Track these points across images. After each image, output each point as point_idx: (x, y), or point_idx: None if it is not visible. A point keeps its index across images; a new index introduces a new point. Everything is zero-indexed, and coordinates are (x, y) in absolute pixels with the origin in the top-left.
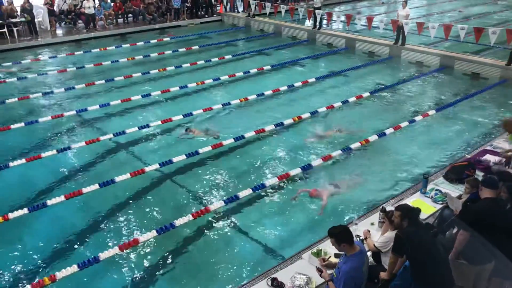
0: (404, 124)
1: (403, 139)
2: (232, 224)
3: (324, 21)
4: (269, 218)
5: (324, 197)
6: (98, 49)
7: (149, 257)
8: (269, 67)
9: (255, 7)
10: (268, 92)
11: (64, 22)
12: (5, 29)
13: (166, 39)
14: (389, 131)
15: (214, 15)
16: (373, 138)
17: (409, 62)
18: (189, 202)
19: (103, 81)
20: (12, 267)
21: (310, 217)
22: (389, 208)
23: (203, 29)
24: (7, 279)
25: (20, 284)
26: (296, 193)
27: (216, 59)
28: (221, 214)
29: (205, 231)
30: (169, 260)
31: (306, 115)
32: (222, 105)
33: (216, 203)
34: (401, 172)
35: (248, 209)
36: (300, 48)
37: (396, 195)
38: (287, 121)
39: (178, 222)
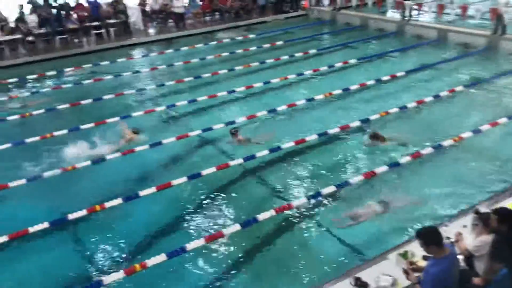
0: (503, 120)
1: (502, 137)
2: (314, 220)
3: (414, 12)
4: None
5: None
6: (187, 47)
7: (232, 250)
8: (354, 60)
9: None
10: (354, 87)
11: (155, 22)
12: (103, 30)
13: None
14: (485, 127)
15: (299, 10)
16: (466, 135)
17: (510, 54)
18: (272, 198)
19: (191, 78)
20: (106, 252)
21: (398, 216)
22: (483, 210)
23: (287, 24)
24: (101, 263)
25: (113, 269)
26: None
27: (300, 54)
28: (304, 210)
29: (288, 227)
30: (252, 255)
31: (394, 109)
32: (306, 100)
33: (299, 199)
34: (499, 173)
35: (331, 205)
36: (388, 40)
37: (491, 197)
38: (374, 117)
39: (261, 216)
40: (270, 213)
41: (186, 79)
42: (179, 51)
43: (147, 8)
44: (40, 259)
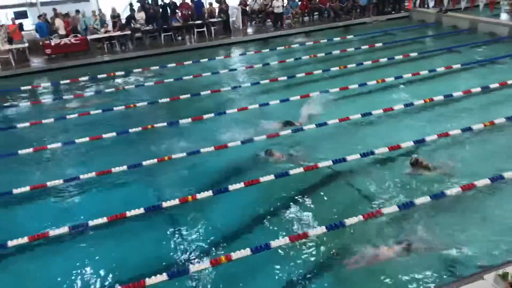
0: None
1: None
2: (402, 229)
3: None
4: (446, 228)
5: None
6: (283, 47)
7: (316, 251)
8: (459, 65)
9: (448, 1)
10: (457, 93)
11: (254, 21)
12: (205, 28)
13: None
14: None
15: (402, 11)
16: None
17: None
18: (360, 202)
19: (285, 77)
20: (194, 242)
21: (499, 231)
22: None
23: (388, 26)
24: (188, 252)
25: (199, 258)
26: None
27: (400, 56)
28: (392, 218)
29: (375, 234)
30: (336, 259)
31: (500, 120)
32: (404, 105)
33: (389, 207)
34: None
35: (420, 219)
36: (499, 45)
37: None
38: (476, 126)
39: (349, 221)
40: (358, 218)
41: (280, 78)
42: (275, 50)
43: (247, 8)
44: (134, 242)
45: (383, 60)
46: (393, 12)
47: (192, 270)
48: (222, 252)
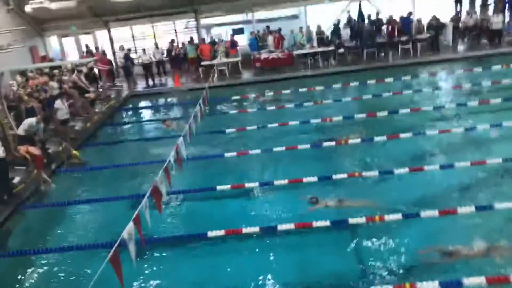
0: None
1: None
2: None
3: None
4: None
5: None
6: (500, 66)
7: None
8: None
9: None
10: None
11: (466, 38)
12: (411, 45)
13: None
14: None
15: None
16: None
17: None
18: None
19: (499, 100)
20: (379, 262)
21: None
22: None
23: None
24: (372, 272)
25: (382, 281)
26: None
27: None
28: None
29: None
30: None
31: None
32: None
33: None
34: None
35: None
36: None
37: None
38: None
39: None
40: None
41: (492, 101)
42: (489, 70)
43: (460, 24)
44: (318, 252)
45: None
46: None
47: None
48: (407, 280)
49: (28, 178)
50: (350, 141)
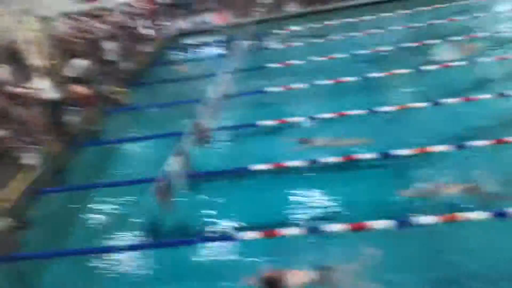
0: None
1: None
2: None
3: None
4: None
5: None
6: None
7: None
8: None
9: None
10: None
11: None
12: None
13: None
14: None
15: None
16: None
17: None
18: None
19: None
20: None
21: None
22: None
23: None
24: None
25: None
26: None
27: None
28: None
29: None
30: None
31: None
32: None
33: None
34: None
35: None
36: None
37: None
38: None
39: None
40: None
41: None
42: None
43: None
44: (362, 185)
45: None
46: None
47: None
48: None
49: (82, 117)
50: (400, 71)
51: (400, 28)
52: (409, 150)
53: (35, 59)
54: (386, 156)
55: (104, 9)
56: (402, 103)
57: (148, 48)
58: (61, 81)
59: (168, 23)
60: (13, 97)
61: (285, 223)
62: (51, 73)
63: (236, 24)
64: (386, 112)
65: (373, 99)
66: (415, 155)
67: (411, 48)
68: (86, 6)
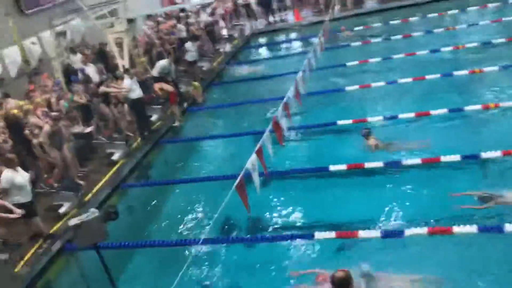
0: None
1: None
2: None
3: None
4: None
5: None
6: None
7: None
8: None
9: None
10: None
11: None
12: None
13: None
14: None
15: None
16: None
17: None
18: None
19: None
20: None
21: None
22: None
23: None
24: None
25: None
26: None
27: None
28: None
29: None
30: None
31: None
32: None
33: None
34: None
35: None
36: None
37: None
38: None
39: None
40: None
41: None
42: None
43: None
44: (444, 188)
45: None
46: None
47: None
48: None
49: (164, 115)
50: (486, 70)
51: (488, 22)
52: (498, 152)
53: (122, 60)
54: (472, 157)
55: (184, 10)
56: (489, 102)
57: (227, 48)
58: (146, 81)
59: (246, 23)
60: (102, 95)
61: (360, 225)
62: (136, 72)
63: (314, 22)
64: (472, 111)
65: (457, 99)
66: (505, 158)
67: (501, 44)
68: (167, 8)
